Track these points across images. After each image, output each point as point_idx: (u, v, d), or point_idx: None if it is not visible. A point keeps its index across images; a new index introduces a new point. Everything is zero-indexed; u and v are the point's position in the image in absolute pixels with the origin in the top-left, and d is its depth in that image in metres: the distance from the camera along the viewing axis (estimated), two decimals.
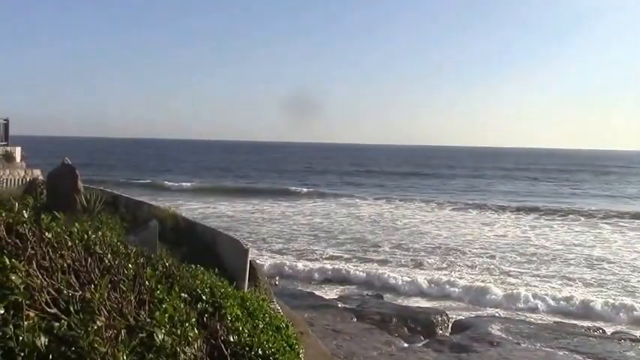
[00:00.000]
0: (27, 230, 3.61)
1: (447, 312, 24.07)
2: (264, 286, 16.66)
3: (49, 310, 3.13)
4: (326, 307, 23.95)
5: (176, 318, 3.96)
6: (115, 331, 3.27)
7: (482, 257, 34.92)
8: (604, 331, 22.72)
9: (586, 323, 23.54)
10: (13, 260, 3.16)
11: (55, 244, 3.75)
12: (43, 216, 3.97)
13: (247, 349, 4.95)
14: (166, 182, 78.65)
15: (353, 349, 19.19)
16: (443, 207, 60.71)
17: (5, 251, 3.33)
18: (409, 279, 28.85)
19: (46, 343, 2.83)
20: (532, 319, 23.97)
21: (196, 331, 4.09)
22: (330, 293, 27.18)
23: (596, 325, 23.42)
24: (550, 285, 29.00)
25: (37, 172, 27.20)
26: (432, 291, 27.47)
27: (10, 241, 3.49)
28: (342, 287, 28.44)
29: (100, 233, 4.73)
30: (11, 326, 2.78)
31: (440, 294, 27.18)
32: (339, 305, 24.38)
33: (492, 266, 32.63)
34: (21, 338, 2.76)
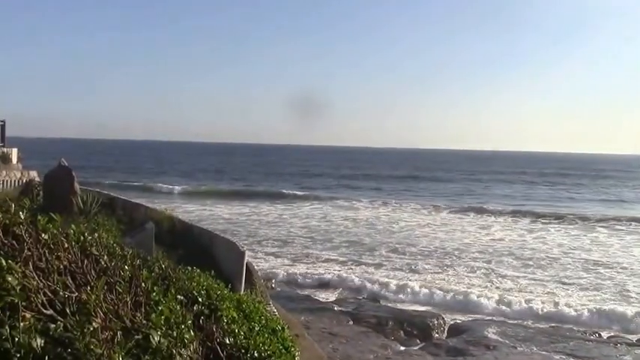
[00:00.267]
0: (23, 231, 3.62)
1: (444, 315, 24.07)
2: (260, 289, 16.66)
3: (45, 311, 3.13)
4: (322, 310, 23.94)
5: (172, 320, 3.96)
6: (111, 333, 3.28)
7: (478, 261, 34.91)
8: (600, 335, 22.75)
9: (582, 327, 23.55)
10: (10, 261, 3.17)
11: (52, 246, 3.75)
12: (39, 217, 3.97)
13: (243, 351, 4.95)
14: (162, 185, 78.44)
15: (349, 353, 19.19)
16: (440, 210, 60.73)
17: (2, 252, 3.33)
18: (402, 284, 28.83)
19: (42, 345, 2.83)
20: (528, 323, 23.97)
21: (192, 334, 4.10)
22: (327, 296, 27.16)
23: (593, 329, 23.43)
24: (546, 289, 29.00)
25: (34, 174, 27.20)
26: (426, 296, 27.38)
27: (6, 242, 3.49)
28: (337, 290, 28.39)
29: (96, 235, 4.74)
30: (7, 327, 2.79)
31: (434, 299, 27.09)
32: (336, 308, 24.38)
33: (489, 270, 32.63)
34: (17, 339, 2.76)
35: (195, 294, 5.61)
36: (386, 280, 29.59)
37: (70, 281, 3.55)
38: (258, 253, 34.79)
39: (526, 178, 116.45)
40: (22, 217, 3.79)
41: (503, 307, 25.75)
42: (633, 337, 22.50)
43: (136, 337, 3.47)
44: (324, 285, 29.12)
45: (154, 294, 4.29)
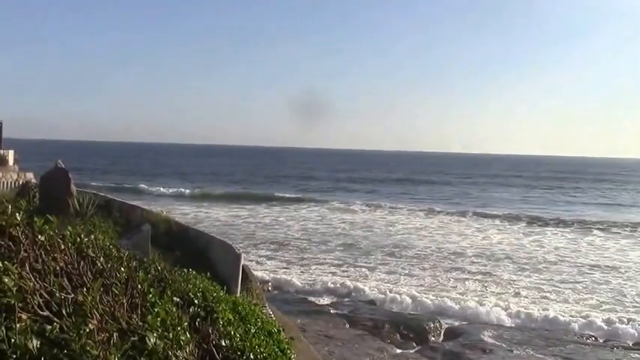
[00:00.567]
0: (20, 233, 3.62)
1: (440, 319, 24.07)
2: (256, 291, 16.66)
3: (41, 312, 3.14)
4: (318, 312, 23.94)
5: (168, 322, 3.96)
6: (107, 335, 3.28)
7: (475, 265, 34.95)
8: (597, 339, 22.77)
9: (578, 331, 23.57)
10: (6, 263, 3.17)
11: (48, 247, 3.76)
12: (36, 219, 3.97)
13: (239, 353, 4.95)
14: (159, 188, 78.29)
15: (345, 356, 19.20)
16: (436, 213, 60.72)
17: None
18: (398, 287, 28.85)
19: (38, 346, 2.84)
20: (524, 327, 23.98)
21: (188, 335, 4.10)
22: (322, 299, 27.14)
23: (589, 332, 23.45)
24: (542, 293, 29.03)
25: (30, 175, 27.16)
26: (422, 300, 27.34)
27: (2, 243, 3.49)
28: (333, 293, 28.36)
29: (92, 237, 4.74)
30: (3, 328, 2.79)
31: (430, 303, 27.06)
32: (332, 311, 24.38)
33: (485, 273, 32.66)
34: (13, 341, 2.77)
35: (192, 296, 5.61)
36: (381, 283, 29.63)
37: (67, 283, 3.55)
38: (254, 255, 34.76)
39: (523, 182, 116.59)
40: (19, 218, 3.79)
41: (500, 311, 25.75)
42: (629, 341, 22.54)
43: (132, 338, 3.47)
44: (320, 288, 29.10)
45: (150, 296, 4.29)
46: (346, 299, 26.96)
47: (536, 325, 24.23)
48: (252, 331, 6.19)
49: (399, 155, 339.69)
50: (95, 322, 3.26)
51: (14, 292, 2.98)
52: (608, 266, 35.91)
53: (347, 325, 22.56)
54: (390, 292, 28.21)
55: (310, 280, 30.00)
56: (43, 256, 3.62)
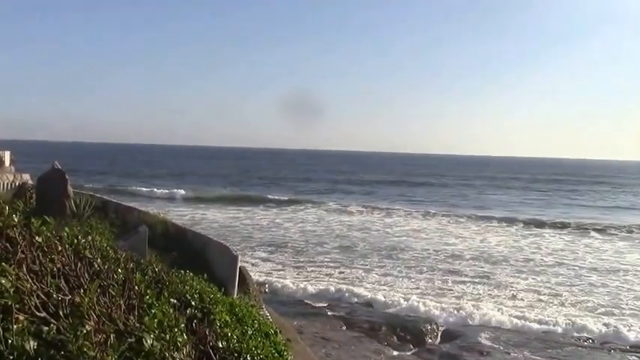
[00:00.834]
0: (17, 234, 3.62)
1: (437, 321, 24.06)
2: (253, 293, 16.66)
3: (38, 313, 3.13)
4: (315, 314, 23.93)
5: (165, 323, 3.96)
6: (104, 336, 3.28)
7: (472, 267, 34.95)
8: (594, 341, 22.78)
9: (575, 333, 23.58)
10: (3, 264, 3.17)
11: (45, 248, 3.75)
12: (33, 220, 3.97)
13: (236, 355, 4.95)
14: (155, 190, 78.11)
15: (342, 358, 19.20)
16: (434, 216, 60.68)
17: None
18: (394, 290, 28.84)
19: (35, 347, 2.83)
20: (521, 329, 23.98)
21: (185, 337, 4.10)
22: (319, 301, 27.10)
23: (586, 335, 23.45)
24: (540, 296, 29.03)
25: (27, 177, 27.13)
26: (418, 302, 27.32)
27: (0, 244, 3.49)
28: (330, 295, 28.33)
29: (89, 238, 4.73)
30: (1, 330, 2.79)
31: (426, 305, 27.05)
32: (329, 313, 24.35)
33: (482, 276, 32.65)
34: (10, 342, 2.76)
35: (189, 297, 5.61)
36: (378, 286, 29.64)
37: (64, 284, 3.55)
38: (251, 257, 34.73)
39: (520, 184, 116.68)
40: (16, 219, 3.79)
41: (497, 313, 25.74)
42: (627, 343, 22.55)
43: (129, 340, 3.47)
44: (317, 290, 29.08)
45: (147, 297, 4.29)
46: (343, 301, 26.92)
47: (534, 328, 24.21)
48: (249, 332, 6.20)
49: (396, 157, 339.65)
50: (92, 323, 3.26)
51: (11, 293, 2.98)
52: (605, 269, 35.96)
53: (344, 327, 22.56)
54: (387, 294, 28.22)
55: (307, 282, 29.98)
56: (41, 257, 3.62)
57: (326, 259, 35.92)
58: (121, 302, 3.85)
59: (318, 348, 19.01)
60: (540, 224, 55.93)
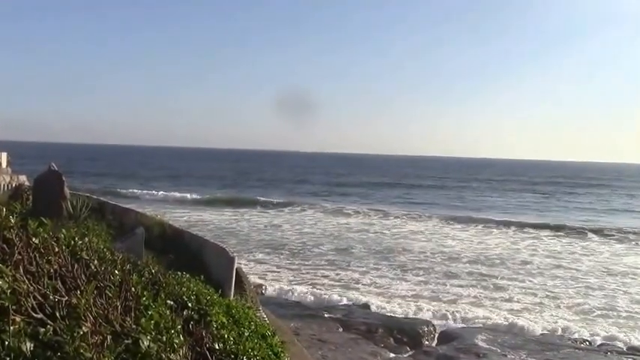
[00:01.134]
0: (14, 235, 3.62)
1: (434, 322, 24.06)
2: (250, 295, 16.65)
3: (35, 315, 3.13)
4: (312, 316, 23.91)
5: (162, 325, 3.96)
6: (101, 337, 3.28)
7: (469, 269, 34.96)
8: (591, 343, 22.80)
9: (572, 336, 23.60)
10: (0, 265, 3.17)
11: (42, 250, 3.75)
12: (29, 221, 3.97)
13: (232, 356, 4.95)
14: (153, 192, 78.07)
15: None
16: (431, 218, 60.71)
17: None
18: (390, 292, 28.83)
19: (32, 349, 2.83)
20: (518, 331, 23.99)
21: (182, 338, 4.10)
22: (316, 303, 27.09)
23: (583, 337, 23.46)
24: (537, 299, 29.05)
25: (23, 178, 27.08)
26: (413, 304, 27.31)
27: None
28: (327, 297, 28.29)
29: (86, 239, 4.74)
30: None
31: (424, 307, 27.03)
32: (325, 315, 24.33)
33: (479, 279, 32.67)
34: (7, 343, 2.77)
35: (185, 299, 5.61)
36: (374, 288, 29.66)
37: (60, 285, 3.55)
38: (248, 259, 34.73)
39: (518, 187, 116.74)
40: (13, 221, 3.79)
41: (493, 316, 25.76)
42: (624, 346, 22.57)
43: (126, 341, 3.47)
44: (313, 292, 29.07)
45: (144, 299, 4.29)
46: (340, 303, 26.91)
47: (530, 330, 24.22)
48: (246, 334, 6.20)
49: (394, 159, 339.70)
50: (89, 324, 3.26)
51: (8, 294, 2.98)
52: (602, 271, 36.03)
53: (340, 329, 22.55)
54: (384, 296, 28.24)
55: (304, 284, 29.98)
56: (37, 258, 3.62)
57: (323, 261, 35.92)
58: (118, 304, 3.85)
59: (315, 350, 19.00)
60: (538, 226, 55.95)
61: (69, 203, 19.07)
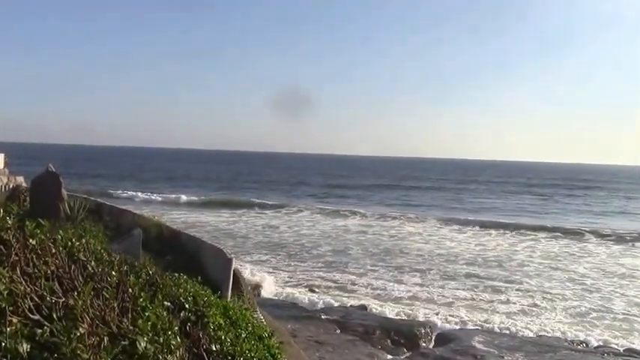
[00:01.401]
0: (11, 236, 3.62)
1: (431, 324, 24.06)
2: (247, 296, 16.65)
3: (32, 316, 3.13)
4: (309, 318, 23.90)
5: (159, 326, 3.97)
6: (98, 339, 3.28)
7: (466, 271, 34.96)
8: (587, 345, 22.81)
9: (569, 337, 23.61)
10: None
11: (39, 251, 3.75)
12: (27, 223, 3.97)
13: (229, 358, 4.95)
14: (150, 194, 77.88)
15: None
16: (429, 220, 60.63)
17: None
18: (387, 297, 28.83)
19: (29, 350, 2.83)
20: (515, 333, 23.99)
21: (179, 340, 4.10)
22: (313, 305, 27.08)
23: (580, 339, 23.47)
24: (534, 300, 29.05)
25: (20, 179, 27.05)
26: (412, 306, 27.29)
27: None
28: (324, 299, 28.28)
29: (83, 241, 4.74)
30: None
31: (421, 309, 27.00)
32: (322, 316, 24.33)
33: (476, 280, 32.68)
34: (3, 344, 2.77)
35: (182, 300, 5.61)
36: (371, 289, 29.66)
37: (57, 286, 3.55)
38: (245, 260, 34.68)
39: (516, 189, 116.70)
40: (10, 222, 3.79)
41: (491, 317, 25.76)
42: (620, 347, 22.58)
43: (123, 342, 3.47)
44: (311, 293, 29.06)
45: (141, 300, 4.29)
46: (337, 305, 26.90)
47: (527, 332, 24.23)
48: (243, 335, 6.19)
49: (391, 160, 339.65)
50: (86, 326, 3.26)
51: (5, 295, 2.98)
52: (599, 273, 36.06)
53: (338, 331, 22.54)
54: (381, 297, 28.25)
55: (301, 286, 29.98)
56: (34, 259, 3.62)
57: (320, 263, 35.92)
58: (115, 305, 3.85)
59: (312, 351, 18.99)
60: (535, 228, 55.95)
61: (66, 204, 19.07)
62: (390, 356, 20.74)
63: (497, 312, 26.63)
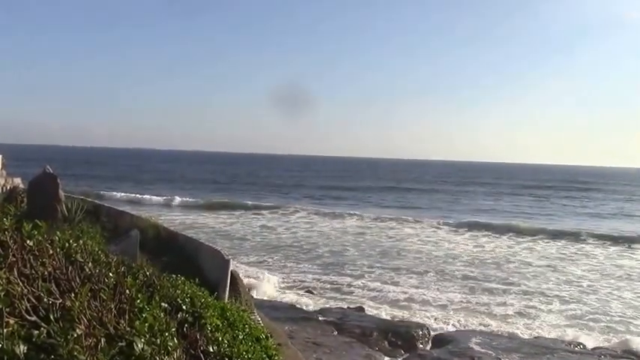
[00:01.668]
0: (8, 238, 3.61)
1: (428, 326, 24.06)
2: (244, 297, 16.64)
3: (29, 317, 3.13)
4: (306, 319, 23.87)
5: (156, 327, 3.96)
6: (95, 340, 3.28)
7: (463, 273, 34.98)
8: (585, 347, 22.83)
9: (566, 339, 23.63)
10: None
11: (37, 252, 3.75)
12: (24, 224, 3.96)
13: (227, 359, 4.95)
14: (148, 195, 77.63)
15: None
16: (427, 221, 60.50)
17: None
18: (385, 298, 28.83)
19: (25, 351, 2.83)
20: (512, 335, 24.01)
21: (176, 341, 4.10)
22: (310, 306, 27.08)
23: (577, 340, 23.49)
24: (530, 302, 29.07)
25: (18, 181, 26.98)
26: (408, 308, 27.30)
27: None
28: (321, 300, 28.27)
29: (81, 242, 4.73)
30: None
31: (418, 310, 27.00)
32: (320, 318, 24.30)
33: (474, 282, 32.70)
34: (0, 346, 2.76)
35: (180, 302, 5.61)
36: (369, 291, 29.67)
37: (55, 288, 3.55)
38: (242, 261, 34.67)
39: (513, 191, 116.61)
40: (7, 223, 3.79)
41: (488, 319, 25.78)
42: (618, 349, 22.60)
43: (120, 344, 3.47)
44: (308, 295, 29.06)
45: (138, 301, 4.29)
46: (334, 306, 26.89)
47: (524, 333, 24.26)
48: (240, 337, 6.20)
49: (389, 162, 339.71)
50: (83, 327, 3.26)
51: (2, 296, 2.98)
52: (596, 275, 36.12)
53: (335, 333, 22.53)
54: (379, 299, 28.25)
55: (298, 287, 29.98)
56: (32, 261, 3.62)
57: (318, 264, 35.92)
58: (112, 306, 3.86)
59: (309, 353, 18.97)
60: (533, 230, 55.97)
61: (64, 206, 19.04)
62: (387, 358, 20.74)
63: (495, 313, 26.65)
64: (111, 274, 4.43)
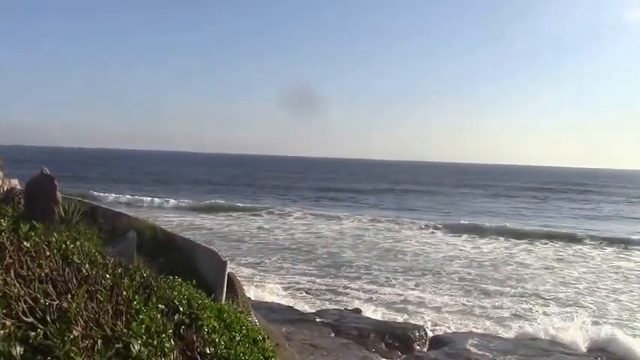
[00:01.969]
0: (5, 239, 3.61)
1: (425, 327, 24.06)
2: (241, 299, 16.63)
3: (25, 319, 3.13)
4: (303, 321, 23.86)
5: (153, 329, 3.96)
6: (92, 341, 3.28)
7: (460, 274, 35.02)
8: (581, 349, 22.85)
9: (563, 341, 23.65)
10: None
11: (33, 254, 3.75)
12: (21, 225, 3.96)
13: None
14: (146, 197, 77.59)
15: None
16: (425, 223, 60.49)
17: None
18: (382, 300, 28.83)
19: (22, 353, 2.83)
20: (509, 337, 24.04)
21: (173, 343, 4.09)
22: (307, 307, 27.07)
23: (575, 342, 23.50)
24: (527, 304, 29.10)
25: (15, 182, 26.94)
26: (406, 310, 27.30)
27: None
28: (318, 302, 28.27)
29: (78, 243, 4.73)
30: None
31: (415, 314, 26.98)
32: (317, 320, 24.29)
33: (471, 284, 32.73)
34: None
35: (177, 303, 5.60)
36: (366, 293, 29.67)
37: (51, 289, 3.54)
38: (239, 263, 34.67)
39: (512, 192, 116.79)
40: (4, 224, 3.78)
41: (485, 320, 25.79)
42: (614, 351, 22.63)
43: (117, 345, 3.47)
44: (305, 296, 29.07)
45: (135, 303, 4.29)
46: (331, 308, 26.89)
47: (521, 335, 24.28)
48: (237, 338, 6.19)
49: (386, 164, 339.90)
50: (79, 328, 3.26)
51: None
52: (594, 277, 36.16)
53: (332, 334, 22.52)
54: (376, 301, 28.25)
55: (295, 289, 29.97)
56: (28, 262, 3.61)
57: (315, 266, 35.92)
58: (109, 308, 3.85)
59: (306, 355, 18.98)
60: (530, 232, 55.98)
61: (61, 207, 19.02)
62: (384, 359, 20.74)
63: (492, 315, 26.67)
64: (108, 276, 4.43)
